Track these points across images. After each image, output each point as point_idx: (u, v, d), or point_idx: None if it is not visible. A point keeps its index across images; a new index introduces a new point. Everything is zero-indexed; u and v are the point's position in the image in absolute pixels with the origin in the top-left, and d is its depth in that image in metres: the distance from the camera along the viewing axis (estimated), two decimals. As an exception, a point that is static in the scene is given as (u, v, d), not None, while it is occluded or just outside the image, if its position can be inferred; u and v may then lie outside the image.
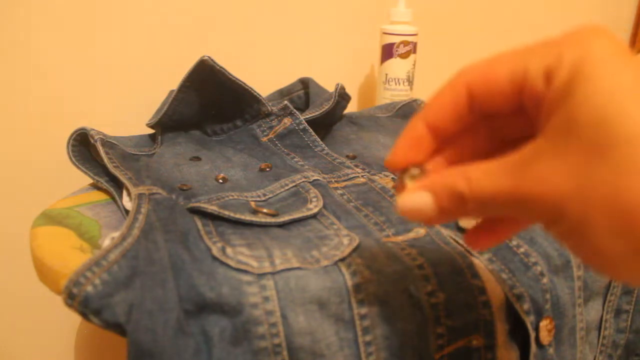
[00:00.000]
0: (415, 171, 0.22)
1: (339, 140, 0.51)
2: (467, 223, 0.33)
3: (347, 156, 0.46)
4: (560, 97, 0.17)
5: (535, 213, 0.18)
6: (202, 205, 0.33)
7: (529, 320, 0.30)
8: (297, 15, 0.64)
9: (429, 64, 0.75)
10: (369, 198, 0.37)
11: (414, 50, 0.62)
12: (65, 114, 0.51)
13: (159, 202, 0.33)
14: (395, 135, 0.53)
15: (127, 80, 0.54)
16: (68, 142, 0.42)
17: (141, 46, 0.54)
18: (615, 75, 0.16)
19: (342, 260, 0.29)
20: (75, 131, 0.42)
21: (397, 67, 0.62)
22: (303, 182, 0.39)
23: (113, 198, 0.40)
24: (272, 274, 0.27)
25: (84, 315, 0.25)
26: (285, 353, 0.26)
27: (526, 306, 0.30)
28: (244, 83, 0.45)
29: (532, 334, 0.30)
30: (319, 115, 0.49)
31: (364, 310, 0.27)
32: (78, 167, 0.42)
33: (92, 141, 0.41)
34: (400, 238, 0.32)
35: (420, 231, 0.32)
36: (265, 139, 0.47)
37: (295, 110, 0.48)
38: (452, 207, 0.20)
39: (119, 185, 0.40)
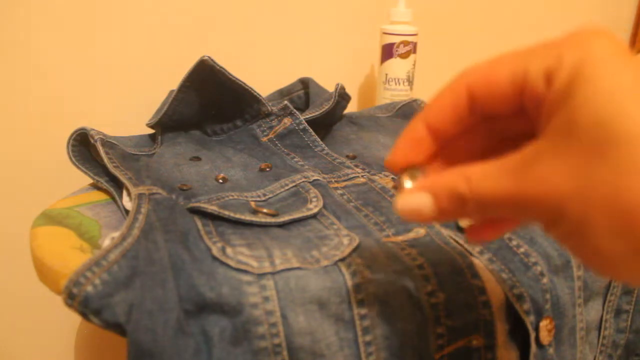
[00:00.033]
0: (415, 172, 0.22)
1: (339, 140, 0.51)
2: (467, 223, 0.33)
3: (347, 156, 0.46)
4: (561, 98, 0.17)
5: (536, 214, 0.18)
6: (202, 205, 0.33)
7: (529, 320, 0.30)
8: (297, 15, 0.64)
9: (429, 64, 0.75)
10: (369, 198, 0.37)
11: (414, 50, 0.62)
12: (65, 114, 0.51)
13: (159, 202, 0.33)
14: (395, 135, 0.53)
15: (127, 80, 0.54)
16: (68, 142, 0.42)
17: (141, 46, 0.54)
18: (615, 75, 0.16)
19: (342, 260, 0.29)
20: (75, 131, 0.42)
21: (397, 67, 0.62)
22: (303, 182, 0.39)
23: (113, 198, 0.40)
24: (272, 274, 0.27)
25: (84, 315, 0.25)
26: (285, 353, 0.26)
27: (526, 306, 0.30)
28: (244, 83, 0.45)
29: (532, 334, 0.30)
30: (319, 115, 0.49)
31: (364, 310, 0.27)
32: (78, 167, 0.42)
33: (92, 141, 0.41)
34: (400, 238, 0.32)
35: (420, 231, 0.32)
36: (265, 139, 0.47)
37: (295, 110, 0.48)
38: (452, 208, 0.20)
39: (119, 185, 0.40)
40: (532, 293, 0.30)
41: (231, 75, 0.44)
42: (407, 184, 0.22)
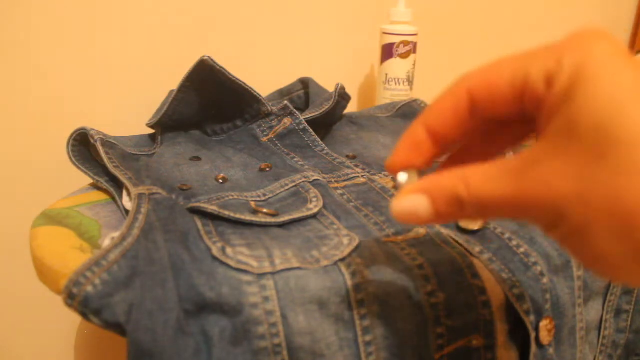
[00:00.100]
0: (414, 174, 0.22)
1: (339, 140, 0.51)
2: (467, 224, 0.33)
3: (347, 156, 0.46)
4: (561, 100, 0.17)
5: (536, 216, 0.18)
6: (202, 205, 0.33)
7: (529, 320, 0.30)
8: (297, 15, 0.64)
9: (429, 64, 0.75)
10: (369, 198, 0.37)
11: (414, 50, 0.62)
12: (65, 114, 0.51)
13: (159, 202, 0.33)
14: (395, 135, 0.53)
15: (127, 80, 0.54)
16: (68, 142, 0.42)
17: (141, 46, 0.54)
18: (614, 77, 0.16)
19: (342, 260, 0.29)
20: (75, 131, 0.42)
21: (397, 67, 0.62)
22: (303, 182, 0.39)
23: (113, 198, 0.40)
24: (272, 274, 0.27)
25: (84, 315, 0.25)
26: (285, 353, 0.26)
27: (526, 306, 0.30)
28: (244, 83, 0.45)
29: (532, 334, 0.30)
30: (319, 115, 0.49)
31: (364, 310, 0.27)
32: (78, 167, 0.42)
33: (92, 141, 0.41)
34: (400, 238, 0.32)
35: (420, 231, 0.32)
36: (265, 139, 0.47)
37: (295, 110, 0.48)
38: (450, 210, 0.20)
39: (119, 185, 0.40)
40: (532, 293, 0.30)
41: (231, 75, 0.44)
42: (405, 185, 0.22)
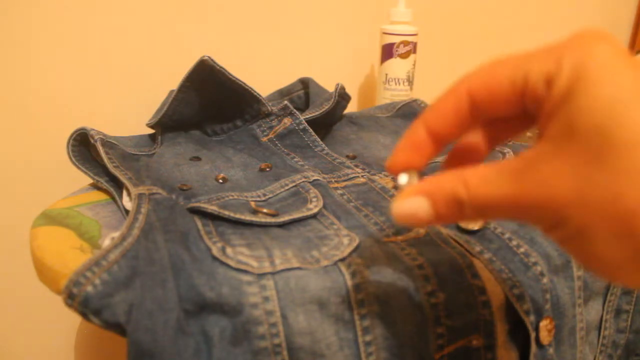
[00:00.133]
0: (415, 176, 0.22)
1: (339, 140, 0.51)
2: (467, 223, 0.33)
3: (347, 156, 0.46)
4: (561, 102, 0.17)
5: (536, 217, 0.18)
6: (202, 205, 0.33)
7: (529, 320, 0.30)
8: (297, 15, 0.64)
9: (429, 64, 0.75)
10: (369, 198, 0.37)
11: (414, 50, 0.62)
12: (65, 114, 0.51)
13: (159, 202, 0.33)
14: (395, 135, 0.53)
15: (127, 80, 0.54)
16: (68, 142, 0.42)
17: (141, 46, 0.54)
18: (614, 79, 0.16)
19: (342, 260, 0.29)
20: (75, 131, 0.42)
21: (397, 67, 0.62)
22: (303, 182, 0.39)
23: (113, 198, 0.40)
24: (272, 274, 0.27)
25: (84, 315, 0.25)
26: (285, 353, 0.26)
27: (526, 306, 0.30)
28: (244, 83, 0.45)
29: (532, 334, 0.30)
30: (319, 115, 0.49)
31: (364, 310, 0.27)
32: (78, 167, 0.42)
33: (92, 141, 0.41)
34: (400, 238, 0.32)
35: (420, 231, 0.32)
36: (265, 139, 0.47)
37: (295, 110, 0.48)
38: (450, 212, 0.20)
39: (119, 185, 0.40)
40: (532, 293, 0.30)
41: (231, 75, 0.44)
42: (406, 187, 0.22)
